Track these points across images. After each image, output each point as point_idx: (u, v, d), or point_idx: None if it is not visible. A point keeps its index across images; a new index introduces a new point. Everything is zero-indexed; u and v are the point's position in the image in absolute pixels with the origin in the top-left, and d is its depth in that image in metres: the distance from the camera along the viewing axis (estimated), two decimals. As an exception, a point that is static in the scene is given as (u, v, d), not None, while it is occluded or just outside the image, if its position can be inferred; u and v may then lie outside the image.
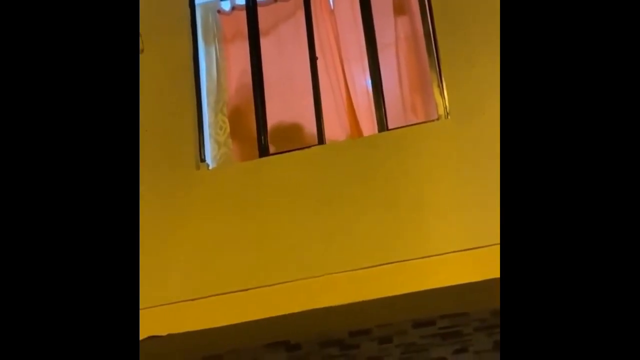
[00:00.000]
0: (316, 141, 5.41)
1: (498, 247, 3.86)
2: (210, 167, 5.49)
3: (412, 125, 5.26)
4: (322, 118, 5.45)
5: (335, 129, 5.57)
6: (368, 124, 5.52)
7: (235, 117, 5.84)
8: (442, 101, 5.18)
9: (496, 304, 4.51)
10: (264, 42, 5.82)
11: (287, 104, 5.75)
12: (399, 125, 5.30)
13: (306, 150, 5.32)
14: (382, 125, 5.32)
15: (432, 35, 5.37)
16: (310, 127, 5.51)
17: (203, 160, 5.47)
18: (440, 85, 5.22)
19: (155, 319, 4.99)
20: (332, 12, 5.85)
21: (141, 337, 4.93)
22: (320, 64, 5.64)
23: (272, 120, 5.64)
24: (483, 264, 4.56)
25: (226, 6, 6.04)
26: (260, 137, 5.52)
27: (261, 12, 5.89)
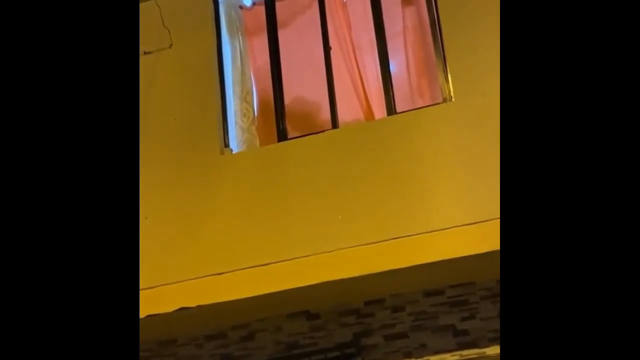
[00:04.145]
0: (330, 125, 5.37)
1: (501, 220, 3.85)
2: (233, 152, 5.45)
3: (418, 108, 5.21)
4: (336, 104, 5.41)
5: (349, 112, 5.52)
6: (380, 107, 5.46)
7: (258, 105, 5.81)
8: (447, 85, 5.13)
9: (500, 273, 4.49)
10: (283, 34, 5.79)
11: (305, 92, 5.70)
12: (408, 108, 5.25)
13: (321, 134, 5.29)
14: (391, 109, 5.28)
15: (437, 24, 5.32)
16: (326, 111, 5.46)
17: (227, 145, 5.44)
18: (445, 70, 5.17)
19: (186, 292, 5.00)
20: (344, 4, 5.80)
21: (172, 309, 4.95)
22: (334, 53, 5.60)
23: (291, 106, 5.59)
24: (488, 236, 4.51)
25: (247, 2, 6.00)
26: (279, 123, 5.49)
27: (279, 6, 5.86)
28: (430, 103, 5.25)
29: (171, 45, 5.73)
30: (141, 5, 5.59)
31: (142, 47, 5.63)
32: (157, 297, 4.95)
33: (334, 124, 5.35)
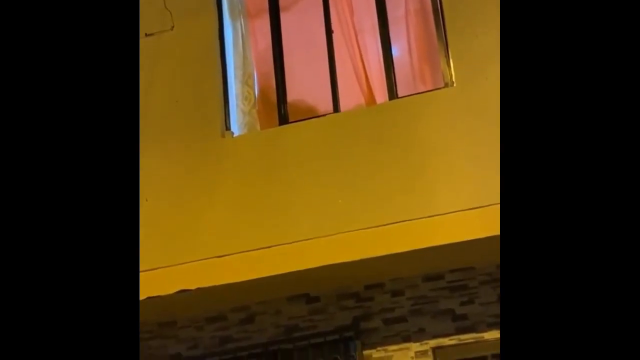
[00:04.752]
0: (332, 109, 5.35)
1: (502, 205, 3.84)
2: (234, 135, 5.44)
3: (419, 93, 5.19)
4: (337, 88, 5.39)
5: (351, 96, 5.50)
6: (381, 92, 5.44)
7: (259, 88, 5.79)
8: (448, 70, 5.10)
9: (500, 258, 4.49)
10: (285, 17, 5.76)
11: (306, 75, 5.69)
12: (409, 93, 5.23)
13: (322, 118, 5.28)
14: (392, 93, 5.26)
15: (439, 8, 5.28)
16: (327, 95, 5.43)
17: (228, 128, 5.43)
18: (447, 55, 5.14)
19: (186, 275, 5.01)
20: (347, -13, 5.76)
21: (172, 291, 4.97)
22: (336, 36, 5.57)
23: (292, 89, 5.58)
24: (488, 221, 4.49)
25: (249, -16, 5.97)
26: (280, 106, 5.49)
27: (281, -11, 5.83)
28: (431, 88, 5.23)
29: (173, 27, 5.71)
30: (143, -13, 5.57)
31: (144, 29, 5.62)
32: (157, 279, 4.96)
33: (335, 108, 5.34)
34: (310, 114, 5.45)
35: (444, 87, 5.09)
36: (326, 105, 5.42)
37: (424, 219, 4.72)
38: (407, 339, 5.01)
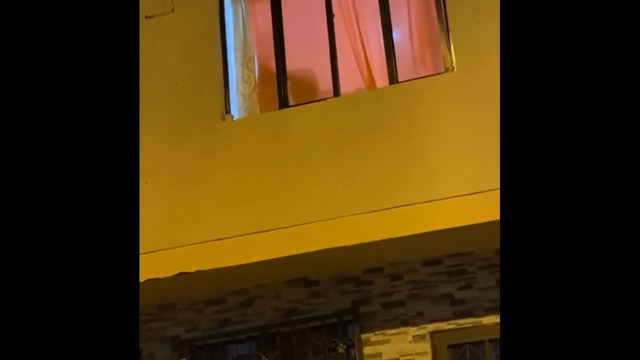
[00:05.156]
0: (332, 93, 5.35)
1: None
2: (234, 119, 5.44)
3: (420, 78, 5.19)
4: (338, 72, 5.39)
5: (352, 81, 5.50)
6: (382, 76, 5.44)
7: (260, 71, 5.79)
8: (449, 55, 5.09)
9: (499, 244, 4.50)
10: (286, 1, 5.74)
11: (306, 59, 5.68)
12: (410, 78, 5.22)
13: (322, 102, 5.29)
14: (393, 78, 5.26)
15: (441, -7, 5.27)
16: (328, 79, 5.44)
17: (228, 111, 5.43)
18: (448, 40, 5.13)
19: (186, 257, 5.03)
20: (348, -28, 5.73)
21: (172, 274, 4.99)
22: (337, 21, 5.55)
23: (293, 73, 5.58)
24: (486, 206, 4.50)
25: (250, -33, 5.94)
26: (281, 90, 5.48)
27: (282, -28, 5.80)
28: (432, 73, 5.23)
29: (173, 9, 5.69)
30: (143, -31, 5.55)
31: (144, 11, 5.60)
32: (156, 262, 4.98)
33: (336, 92, 5.33)
34: (311, 98, 5.45)
35: (444, 72, 5.09)
36: (326, 89, 5.42)
37: (423, 204, 4.73)
38: (405, 323, 5.04)
